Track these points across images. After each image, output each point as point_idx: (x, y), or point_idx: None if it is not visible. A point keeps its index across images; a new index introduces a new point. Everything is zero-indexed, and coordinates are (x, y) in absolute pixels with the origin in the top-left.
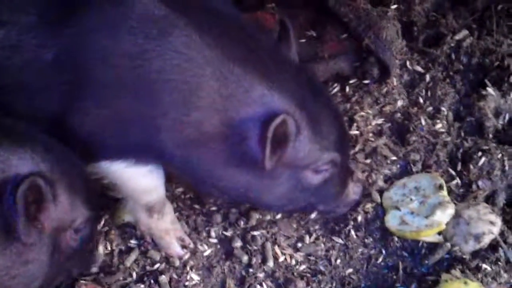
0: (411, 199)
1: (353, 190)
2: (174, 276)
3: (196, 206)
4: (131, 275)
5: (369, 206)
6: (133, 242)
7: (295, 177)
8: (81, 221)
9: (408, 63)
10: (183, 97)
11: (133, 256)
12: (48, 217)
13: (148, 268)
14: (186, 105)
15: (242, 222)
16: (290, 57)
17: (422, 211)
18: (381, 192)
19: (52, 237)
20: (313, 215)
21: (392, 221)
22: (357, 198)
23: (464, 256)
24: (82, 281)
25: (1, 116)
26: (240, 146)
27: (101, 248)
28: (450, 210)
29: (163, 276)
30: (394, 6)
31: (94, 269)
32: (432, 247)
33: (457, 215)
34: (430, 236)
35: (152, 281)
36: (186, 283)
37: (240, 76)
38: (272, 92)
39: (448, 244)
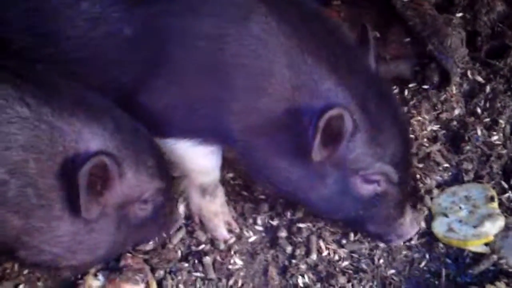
0: (460, 208)
1: (410, 221)
2: (218, 258)
3: (245, 193)
4: (176, 253)
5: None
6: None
7: (344, 180)
8: (149, 194)
9: (469, 72)
10: (256, 82)
11: (180, 235)
12: (113, 194)
13: (193, 248)
14: (257, 90)
15: (289, 213)
16: (365, 60)
17: (471, 221)
18: (430, 197)
19: (118, 210)
20: None
21: (439, 227)
22: (412, 233)
23: (510, 270)
24: (128, 254)
25: (81, 88)
26: (298, 138)
27: (181, 208)
28: (500, 223)
29: (207, 257)
30: (460, 14)
31: (148, 247)
32: (478, 257)
33: (506, 228)
34: (476, 246)
35: (196, 261)
36: (230, 267)
37: (312, 67)
38: (338, 87)
39: (495, 256)
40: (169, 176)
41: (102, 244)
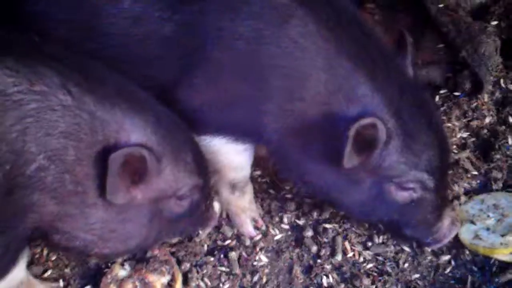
0: (488, 216)
1: (448, 228)
2: (244, 254)
3: (272, 191)
4: (202, 247)
5: None
6: None
7: (378, 187)
8: (186, 190)
9: (502, 81)
10: (291, 85)
11: (207, 229)
12: (149, 187)
13: (219, 242)
14: (291, 93)
15: (315, 213)
16: (402, 66)
17: (498, 229)
18: (458, 203)
19: (153, 203)
20: None
21: (465, 234)
22: (450, 236)
23: None
24: (155, 245)
25: (125, 80)
26: (334, 143)
27: (216, 206)
28: None
29: (233, 253)
30: (495, 23)
31: (175, 239)
32: (504, 266)
33: None
34: (503, 255)
35: (222, 255)
36: (255, 263)
37: (349, 72)
38: (373, 93)
39: None
40: (208, 173)
41: (134, 235)
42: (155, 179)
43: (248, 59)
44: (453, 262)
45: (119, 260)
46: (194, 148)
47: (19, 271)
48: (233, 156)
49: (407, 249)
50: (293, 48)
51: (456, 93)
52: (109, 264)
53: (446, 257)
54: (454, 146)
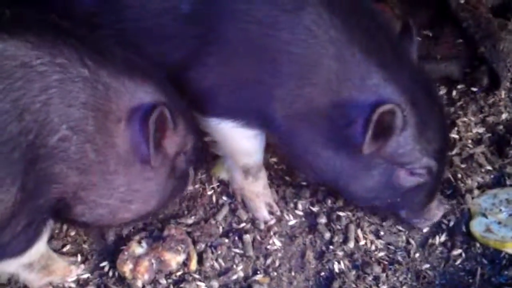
0: (500, 210)
1: (437, 207)
2: (258, 237)
3: (287, 178)
4: (218, 229)
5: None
6: (224, 198)
7: (389, 172)
8: (190, 146)
9: None
10: (302, 71)
11: (224, 211)
12: (171, 143)
13: (234, 225)
14: (302, 79)
15: (329, 201)
16: (410, 56)
17: (510, 223)
18: (471, 197)
19: (170, 160)
20: None
21: (477, 227)
22: (439, 215)
23: None
24: (171, 225)
25: (131, 55)
26: (344, 130)
27: (191, 172)
28: None
29: (247, 236)
30: None
31: (191, 220)
32: None
33: None
34: None
35: (236, 238)
36: (268, 247)
37: (360, 61)
38: (388, 83)
39: None
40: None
41: (156, 193)
42: (174, 134)
43: (261, 43)
44: (463, 254)
45: (136, 237)
46: (190, 112)
47: (42, 244)
48: (242, 141)
49: (418, 239)
50: (306, 36)
51: (474, 89)
52: (126, 242)
53: (457, 249)
54: (470, 141)
